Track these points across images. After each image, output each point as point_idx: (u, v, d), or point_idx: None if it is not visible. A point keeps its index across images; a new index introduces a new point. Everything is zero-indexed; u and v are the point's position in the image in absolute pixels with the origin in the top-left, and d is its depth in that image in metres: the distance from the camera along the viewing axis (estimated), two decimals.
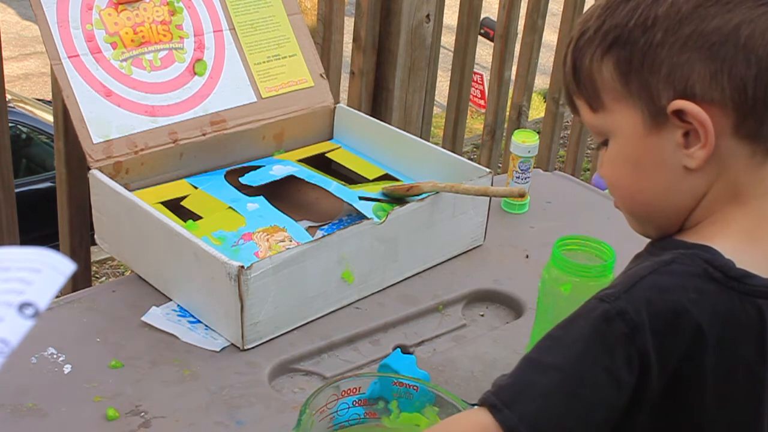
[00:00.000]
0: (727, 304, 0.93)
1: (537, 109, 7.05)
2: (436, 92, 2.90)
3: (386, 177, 1.80)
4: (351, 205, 1.67)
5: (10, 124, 2.08)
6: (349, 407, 1.19)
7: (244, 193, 1.69)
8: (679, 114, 0.93)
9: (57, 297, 1.62)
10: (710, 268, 0.93)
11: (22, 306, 0.50)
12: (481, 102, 6.42)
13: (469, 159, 1.81)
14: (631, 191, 1.01)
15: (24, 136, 5.82)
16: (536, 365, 0.94)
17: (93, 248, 2.22)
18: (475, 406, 0.97)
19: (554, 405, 0.91)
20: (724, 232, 0.96)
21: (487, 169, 1.70)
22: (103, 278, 4.59)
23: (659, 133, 0.95)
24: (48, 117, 5.68)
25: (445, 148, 2.11)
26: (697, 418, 0.95)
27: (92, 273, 2.40)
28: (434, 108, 2.92)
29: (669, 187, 0.97)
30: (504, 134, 3.33)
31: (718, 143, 0.93)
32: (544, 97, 5.66)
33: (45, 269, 0.52)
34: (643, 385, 0.91)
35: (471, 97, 3.22)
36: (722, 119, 0.92)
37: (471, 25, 2.96)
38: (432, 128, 2.94)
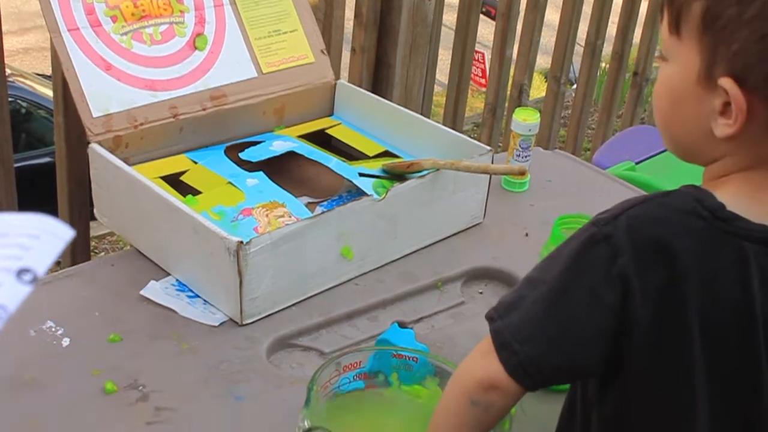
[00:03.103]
0: (711, 242, 0.95)
1: (537, 89, 7.04)
2: (437, 71, 2.89)
3: (386, 154, 1.79)
4: (351, 181, 1.67)
5: (9, 99, 2.07)
6: (350, 381, 1.20)
7: (244, 169, 1.68)
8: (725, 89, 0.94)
9: (56, 270, 1.62)
10: (699, 207, 0.96)
11: (21, 272, 0.50)
12: (482, 81, 6.41)
13: (470, 137, 1.81)
14: (663, 116, 1.03)
15: (23, 110, 5.81)
16: (531, 281, 1.01)
17: (92, 223, 2.22)
18: None
19: (536, 315, 0.98)
20: (726, 186, 0.98)
21: (488, 147, 1.70)
22: (102, 253, 4.59)
23: (705, 89, 0.96)
24: (47, 92, 5.66)
25: (445, 126, 2.10)
26: (687, 358, 0.97)
27: (91, 248, 2.40)
28: (435, 86, 2.91)
29: (692, 134, 1.00)
30: (505, 113, 3.32)
31: (748, 127, 0.94)
32: (545, 77, 5.64)
33: (43, 235, 0.52)
34: (628, 311, 0.95)
35: (472, 75, 3.20)
36: (761, 111, 0.93)
37: (472, 3, 2.94)
38: (432, 106, 2.93)
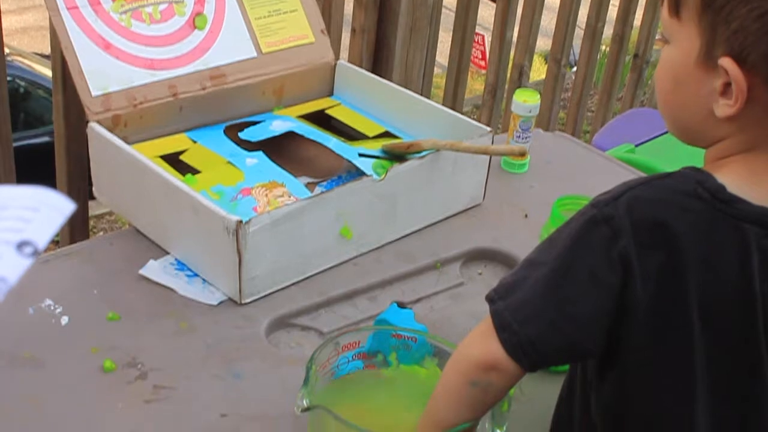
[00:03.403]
0: (710, 224, 0.96)
1: (537, 71, 7.02)
2: (437, 53, 2.87)
3: (386, 134, 1.79)
4: (350, 161, 1.67)
5: (7, 78, 2.06)
6: (349, 361, 1.20)
7: (244, 148, 1.68)
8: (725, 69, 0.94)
9: (54, 249, 1.62)
10: (700, 188, 0.96)
11: (21, 245, 0.50)
12: (482, 63, 6.40)
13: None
14: (664, 98, 1.04)
15: (22, 90, 5.80)
16: (531, 263, 1.01)
17: (91, 203, 2.22)
18: None
19: (536, 296, 0.98)
20: (726, 167, 0.99)
21: (488, 128, 1.69)
22: (101, 233, 4.59)
23: (706, 71, 0.96)
24: (46, 71, 5.65)
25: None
26: (686, 339, 0.97)
27: (90, 228, 2.40)
28: (435, 69, 2.90)
29: (693, 117, 1.00)
30: (505, 95, 3.32)
31: (749, 108, 0.94)
32: (545, 59, 5.62)
33: (44, 208, 0.51)
34: (628, 293, 0.96)
35: (472, 58, 3.19)
36: (762, 92, 0.94)
37: None
38: (432, 89, 2.92)
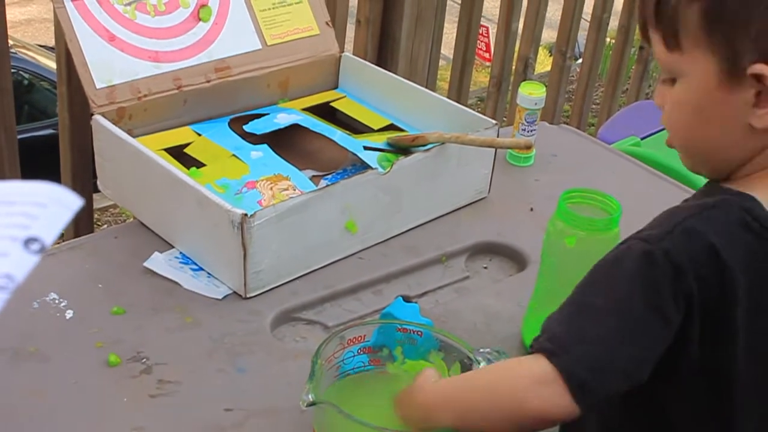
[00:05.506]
0: (760, 254, 0.93)
1: (542, 64, 7.00)
2: (442, 45, 2.86)
3: (391, 127, 1.78)
4: (355, 154, 1.66)
5: (12, 70, 2.06)
6: (354, 355, 1.19)
7: (248, 141, 1.67)
8: (758, 77, 0.92)
9: (59, 242, 1.61)
10: (748, 217, 0.94)
11: (28, 241, 0.49)
12: (486, 55, 6.38)
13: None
14: (690, 135, 1.00)
15: (26, 82, 5.79)
16: (586, 309, 0.95)
17: (95, 196, 2.21)
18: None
19: (609, 347, 0.93)
20: (758, 184, 0.96)
21: (494, 121, 1.69)
22: (105, 226, 4.59)
23: (731, 89, 0.94)
24: (50, 63, 5.65)
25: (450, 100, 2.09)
26: (730, 371, 0.96)
27: (94, 221, 2.39)
28: (440, 61, 2.89)
29: (729, 140, 0.97)
30: (510, 87, 3.31)
31: None
32: (549, 52, 5.60)
33: (51, 204, 0.51)
34: (685, 328, 0.93)
35: (476, 50, 3.18)
36: None
37: None
38: (437, 81, 2.91)
